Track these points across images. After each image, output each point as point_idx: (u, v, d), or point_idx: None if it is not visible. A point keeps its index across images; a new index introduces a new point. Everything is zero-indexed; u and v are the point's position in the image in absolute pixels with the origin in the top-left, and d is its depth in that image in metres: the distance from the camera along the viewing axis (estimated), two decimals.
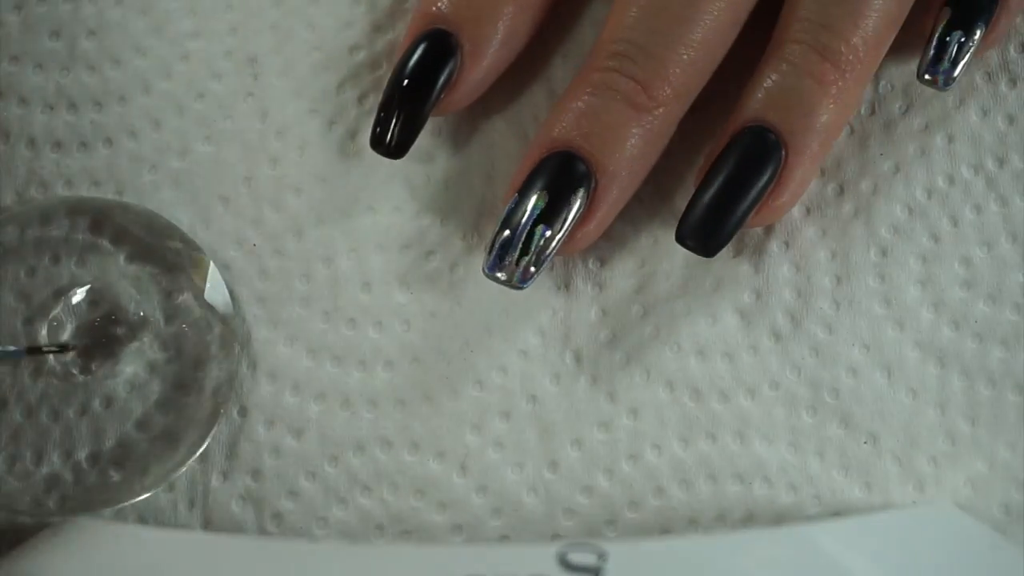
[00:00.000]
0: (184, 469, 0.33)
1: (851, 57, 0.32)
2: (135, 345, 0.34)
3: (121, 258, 0.34)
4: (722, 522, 0.33)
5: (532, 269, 0.32)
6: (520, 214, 0.32)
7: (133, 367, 0.33)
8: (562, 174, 0.32)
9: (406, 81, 0.33)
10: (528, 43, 0.34)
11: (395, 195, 0.35)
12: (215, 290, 0.34)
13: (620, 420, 0.34)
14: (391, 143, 0.33)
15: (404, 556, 0.32)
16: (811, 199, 0.35)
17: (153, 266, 0.34)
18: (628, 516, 0.33)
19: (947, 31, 0.33)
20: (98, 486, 0.33)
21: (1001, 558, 0.32)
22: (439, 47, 0.33)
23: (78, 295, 0.34)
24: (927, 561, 0.31)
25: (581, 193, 0.32)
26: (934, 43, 0.33)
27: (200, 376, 0.34)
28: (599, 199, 0.32)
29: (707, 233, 0.32)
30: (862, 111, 0.35)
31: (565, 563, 0.30)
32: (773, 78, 0.32)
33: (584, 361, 0.34)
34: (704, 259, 0.34)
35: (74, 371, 0.33)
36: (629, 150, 0.32)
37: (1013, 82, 0.35)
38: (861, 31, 0.32)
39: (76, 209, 0.34)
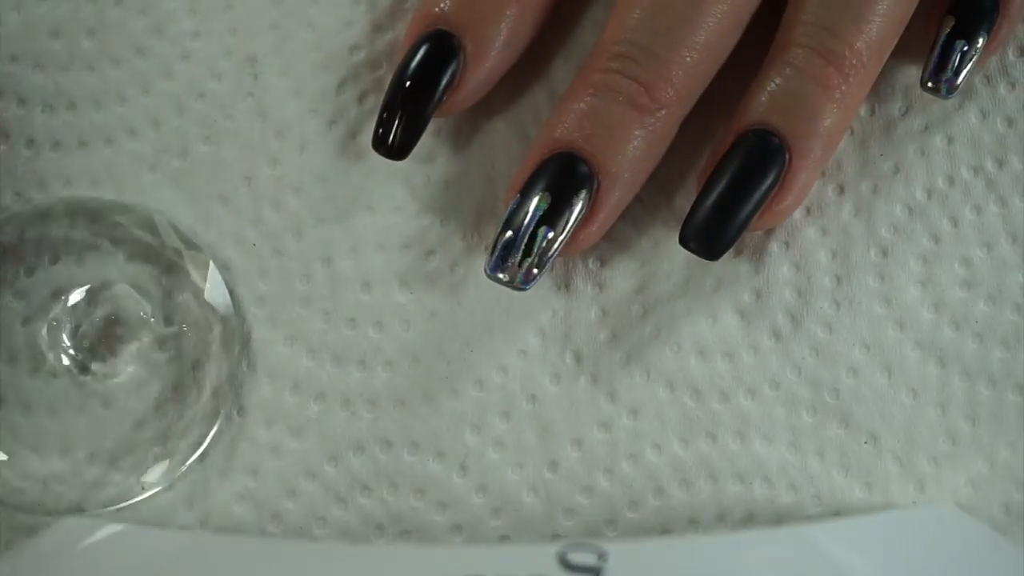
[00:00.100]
0: (184, 469, 0.33)
1: (855, 61, 0.32)
2: (135, 345, 0.34)
3: (121, 258, 0.34)
4: (722, 522, 0.33)
5: (534, 270, 0.32)
6: (522, 215, 0.32)
7: (133, 367, 0.33)
8: (564, 175, 0.32)
9: (409, 83, 0.33)
10: (530, 44, 0.34)
11: (395, 195, 0.35)
12: (215, 290, 0.34)
13: (620, 420, 0.34)
14: (393, 144, 0.33)
15: (404, 556, 0.32)
16: (811, 199, 0.35)
17: (153, 266, 0.34)
18: (628, 516, 0.33)
19: (950, 40, 0.34)
20: (98, 486, 0.33)
21: (1001, 558, 0.32)
22: (441, 49, 0.33)
23: (78, 295, 0.34)
24: (927, 561, 0.31)
25: (583, 194, 0.32)
26: (937, 51, 0.34)
27: (200, 376, 0.33)
28: (601, 200, 0.32)
29: (711, 236, 0.32)
30: (862, 112, 0.35)
31: (565, 563, 0.30)
32: (777, 81, 0.32)
33: (584, 361, 0.34)
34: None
35: (74, 371, 0.33)
36: (631, 151, 0.32)
37: (1012, 85, 0.36)
38: (865, 35, 0.32)
39: (75, 209, 0.34)
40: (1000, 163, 0.35)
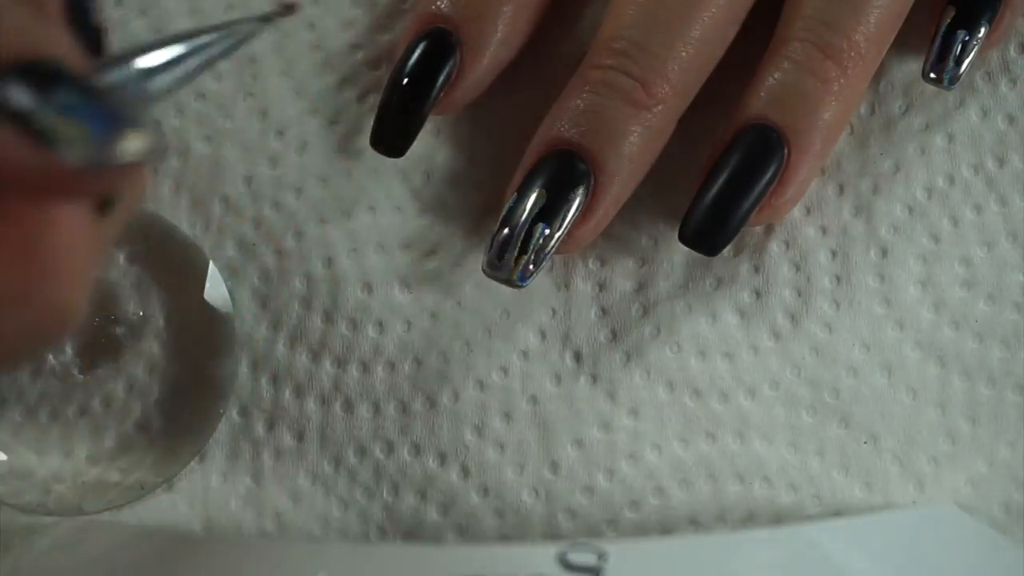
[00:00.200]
0: (184, 469, 0.33)
1: (853, 54, 0.32)
2: (135, 345, 0.34)
3: (121, 258, 0.34)
4: (722, 522, 0.33)
5: (531, 267, 0.32)
6: (519, 212, 0.32)
7: (133, 367, 0.33)
8: (561, 172, 0.32)
9: (406, 80, 0.33)
10: (527, 42, 0.34)
11: (395, 195, 0.35)
12: (215, 290, 0.34)
13: (620, 420, 0.33)
14: (391, 142, 0.33)
15: (404, 556, 0.32)
16: (811, 199, 0.35)
17: (153, 266, 0.34)
18: (628, 516, 0.33)
19: (951, 29, 0.33)
20: (98, 486, 0.33)
21: (1001, 558, 0.32)
22: (439, 46, 0.33)
23: None
24: (927, 561, 0.31)
25: (580, 191, 0.32)
26: (938, 41, 0.33)
27: (200, 376, 0.33)
28: (598, 197, 0.32)
29: (710, 232, 0.32)
30: (862, 110, 0.35)
31: (565, 563, 0.30)
32: (776, 76, 0.32)
33: (584, 361, 0.34)
34: (704, 258, 0.34)
35: (74, 371, 0.33)
36: (628, 148, 0.32)
37: (1013, 82, 0.35)
38: (863, 28, 0.32)
39: None
40: (1001, 161, 0.35)
